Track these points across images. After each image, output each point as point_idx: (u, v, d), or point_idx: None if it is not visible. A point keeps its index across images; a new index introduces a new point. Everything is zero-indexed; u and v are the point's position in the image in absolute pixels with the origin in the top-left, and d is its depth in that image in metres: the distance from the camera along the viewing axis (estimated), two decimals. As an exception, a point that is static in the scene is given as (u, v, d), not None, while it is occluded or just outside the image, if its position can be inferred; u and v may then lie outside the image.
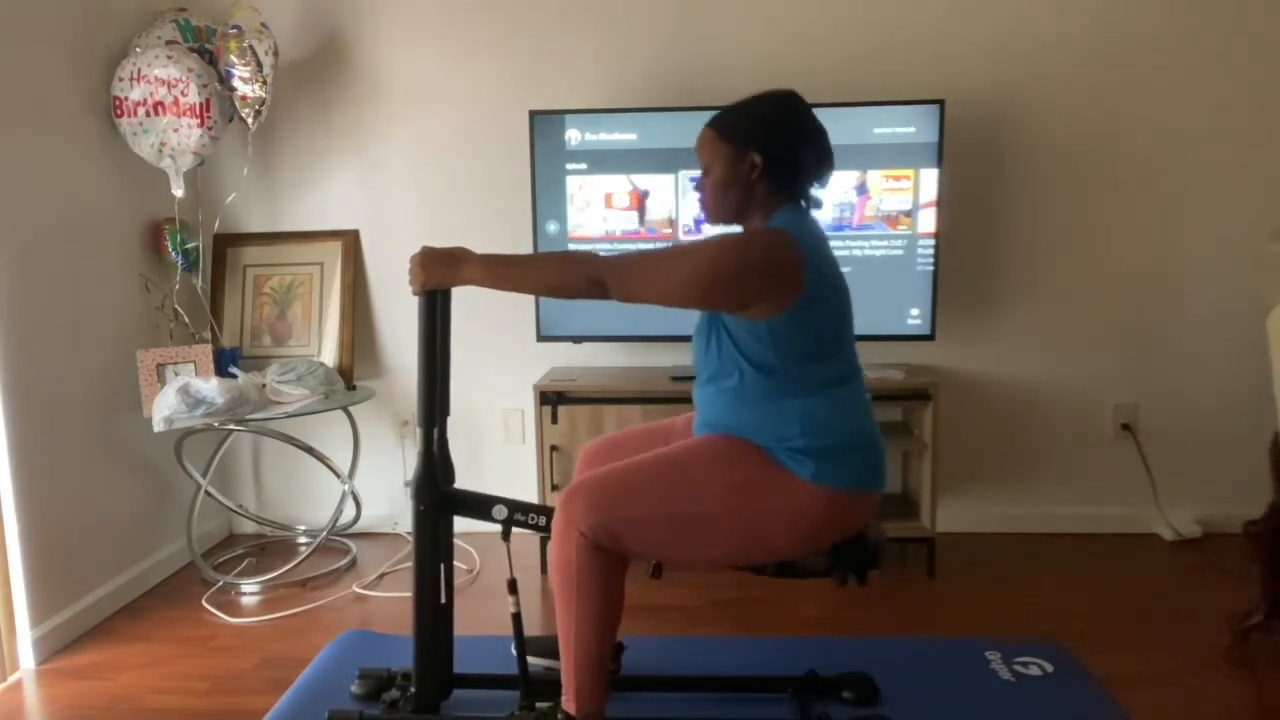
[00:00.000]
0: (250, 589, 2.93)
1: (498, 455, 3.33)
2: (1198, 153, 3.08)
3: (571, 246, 3.00)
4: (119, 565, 2.85)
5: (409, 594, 2.03)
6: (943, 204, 2.92)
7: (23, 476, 2.46)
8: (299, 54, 3.18)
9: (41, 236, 2.56)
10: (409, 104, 3.21)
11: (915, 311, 2.97)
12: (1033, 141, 3.11)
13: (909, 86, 3.02)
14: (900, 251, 2.95)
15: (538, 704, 1.94)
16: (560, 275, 1.81)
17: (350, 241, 3.26)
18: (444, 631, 2.07)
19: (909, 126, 2.89)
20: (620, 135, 2.96)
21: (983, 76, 3.07)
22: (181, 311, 3.04)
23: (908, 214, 2.93)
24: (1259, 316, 2.35)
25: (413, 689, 2.04)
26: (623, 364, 3.23)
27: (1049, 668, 2.29)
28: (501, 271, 1.84)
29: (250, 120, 2.94)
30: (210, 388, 2.74)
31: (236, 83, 2.87)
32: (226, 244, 3.26)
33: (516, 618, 2.00)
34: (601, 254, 1.83)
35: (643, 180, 2.98)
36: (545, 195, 3.00)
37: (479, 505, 2.01)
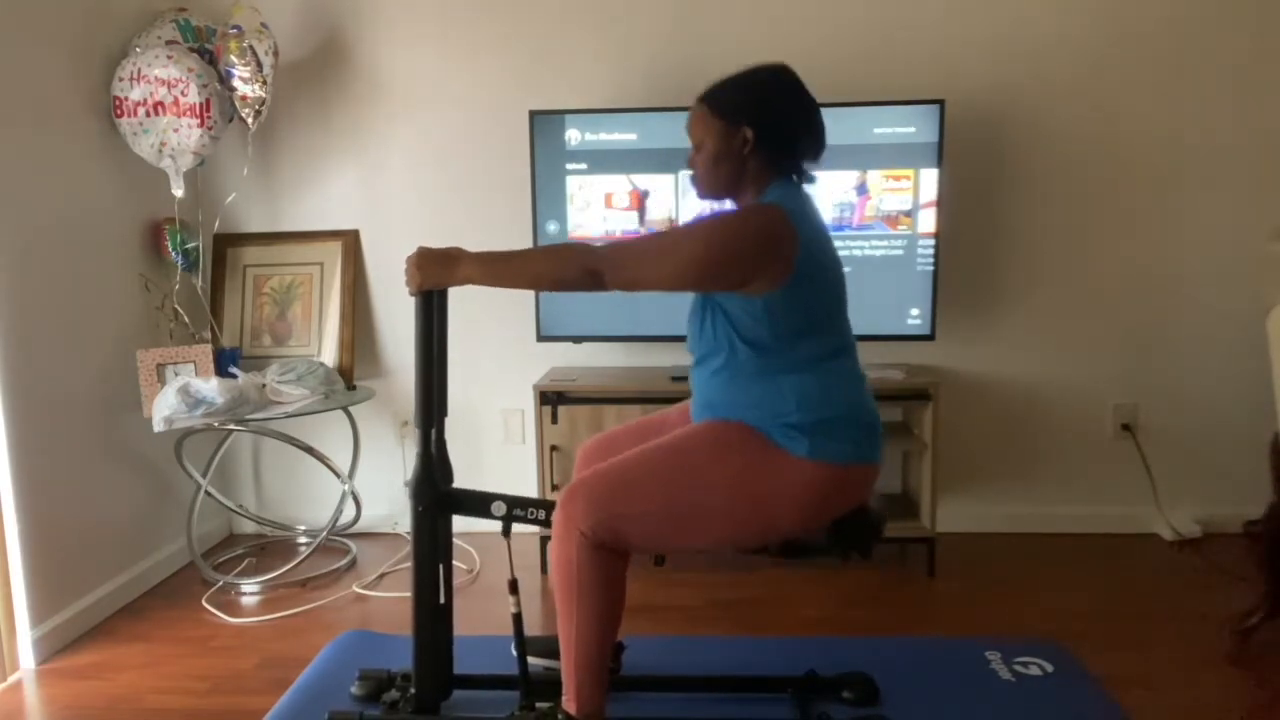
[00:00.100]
0: (250, 589, 2.93)
1: (498, 455, 3.33)
2: (1198, 153, 3.08)
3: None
4: (119, 565, 2.85)
5: (409, 594, 2.03)
6: (943, 204, 2.92)
7: (23, 476, 2.46)
8: (299, 54, 3.18)
9: (41, 236, 2.56)
10: (409, 104, 3.21)
11: (915, 311, 2.97)
12: (1033, 141, 3.11)
13: (909, 86, 3.02)
14: (900, 251, 2.95)
15: (538, 704, 1.94)
16: (555, 268, 1.81)
17: (350, 241, 3.26)
18: (443, 632, 2.07)
19: (909, 126, 2.89)
20: (620, 135, 2.96)
21: (983, 76, 3.07)
22: (181, 311, 3.04)
23: (908, 214, 2.93)
24: (1259, 316, 2.35)
25: (412, 690, 2.04)
26: (623, 364, 3.23)
27: (1049, 668, 2.29)
28: (496, 268, 1.83)
29: (250, 120, 2.94)
30: (210, 388, 2.74)
31: (236, 83, 2.87)
32: (226, 244, 3.26)
33: (517, 618, 2.00)
34: (594, 244, 1.82)
35: (643, 180, 2.98)
36: (545, 195, 3.00)
37: (478, 503, 2.01)
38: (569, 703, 1.83)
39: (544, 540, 2.95)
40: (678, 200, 2.98)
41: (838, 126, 2.93)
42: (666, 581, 2.88)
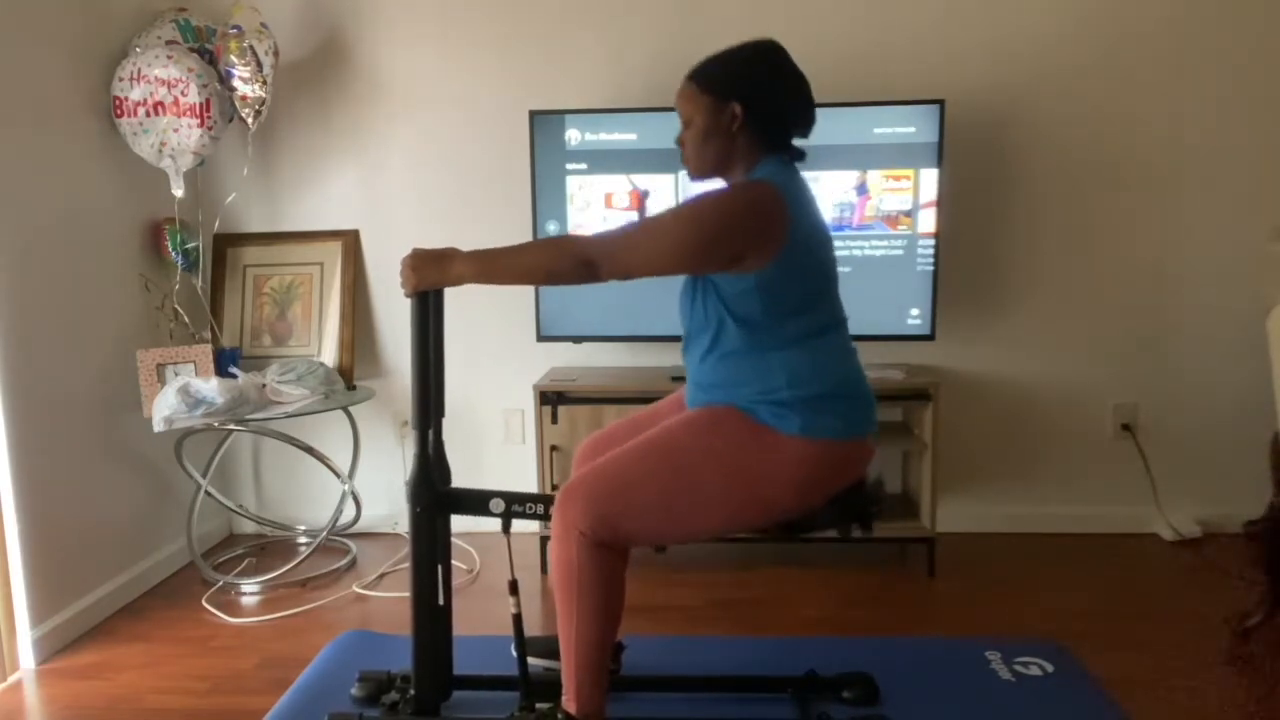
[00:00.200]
0: (250, 589, 2.93)
1: (498, 455, 3.33)
2: (1198, 152, 3.08)
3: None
4: (119, 565, 2.85)
5: (409, 594, 2.02)
6: (943, 204, 2.92)
7: (23, 476, 2.46)
8: (299, 54, 3.18)
9: (41, 236, 2.56)
10: (409, 104, 3.21)
11: (915, 311, 2.97)
12: (1033, 141, 3.11)
13: (909, 86, 3.02)
14: (900, 251, 2.94)
15: (538, 705, 1.94)
16: (548, 260, 1.80)
17: (350, 241, 3.26)
18: (443, 633, 2.07)
19: (909, 126, 2.89)
20: (620, 135, 2.96)
21: (983, 76, 3.07)
22: (181, 311, 3.04)
23: (908, 214, 2.93)
24: (1259, 316, 2.35)
25: (412, 691, 2.04)
26: (623, 364, 3.23)
27: (1049, 668, 2.29)
28: (490, 265, 1.82)
29: (250, 120, 2.94)
30: (210, 388, 2.74)
31: (236, 83, 2.87)
32: (226, 244, 3.26)
33: (517, 619, 1.99)
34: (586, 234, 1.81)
35: (643, 180, 2.98)
36: (545, 195, 3.00)
37: (476, 502, 2.01)
38: (569, 703, 1.83)
39: (544, 540, 2.95)
40: (678, 200, 2.97)
41: (838, 126, 2.96)
42: (666, 581, 2.88)
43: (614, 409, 2.92)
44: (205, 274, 3.18)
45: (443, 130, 3.22)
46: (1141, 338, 3.18)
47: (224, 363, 2.99)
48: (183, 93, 2.77)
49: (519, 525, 2.02)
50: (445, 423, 2.04)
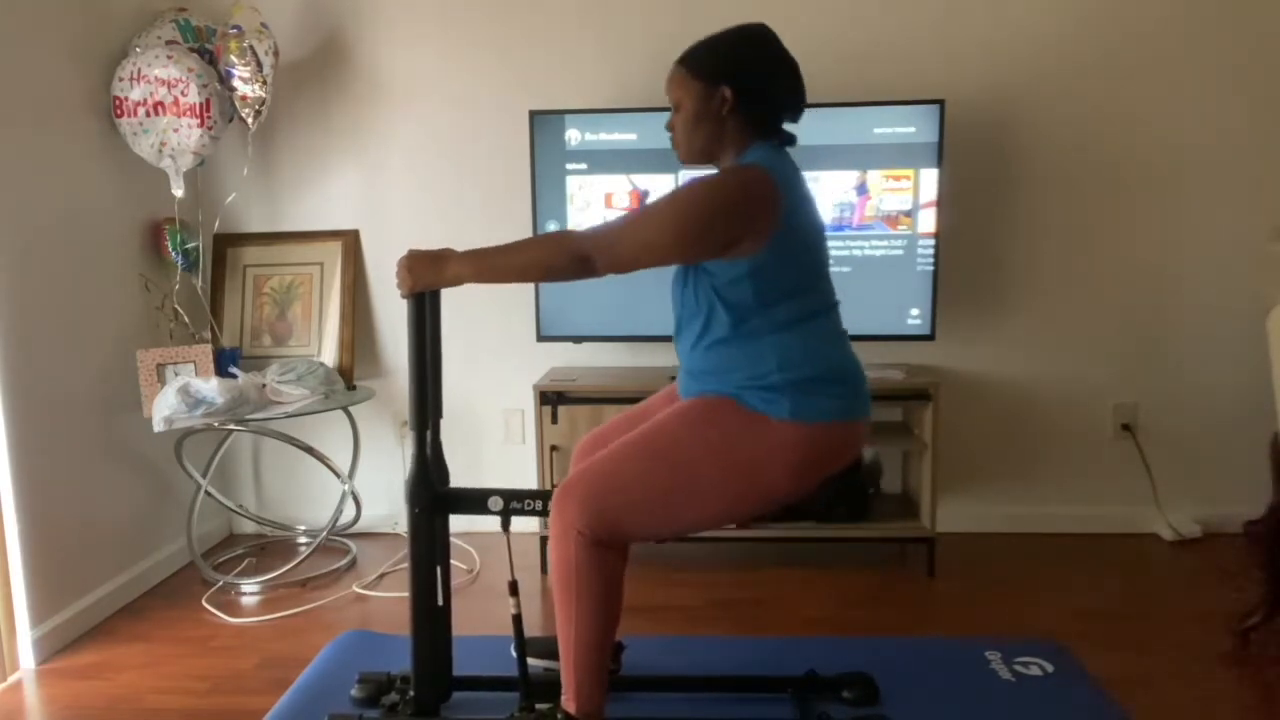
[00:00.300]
0: (250, 589, 2.93)
1: (498, 455, 3.34)
2: (1198, 152, 3.08)
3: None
4: (119, 565, 2.85)
5: (408, 594, 2.02)
6: (943, 204, 2.92)
7: (23, 476, 2.46)
8: (299, 54, 3.18)
9: (41, 236, 2.56)
10: (409, 104, 3.21)
11: (915, 311, 2.97)
12: (1033, 141, 3.11)
13: (909, 86, 3.02)
14: (900, 251, 2.94)
15: (537, 705, 1.94)
16: (544, 256, 1.79)
17: (350, 241, 3.26)
18: (442, 634, 2.07)
19: (909, 126, 2.89)
20: (620, 135, 2.96)
21: (983, 76, 3.07)
22: (181, 311, 3.04)
23: (908, 214, 2.93)
24: (1259, 316, 2.35)
25: (412, 692, 2.04)
26: (623, 364, 3.23)
27: (1049, 668, 2.29)
28: (485, 263, 1.82)
29: (250, 120, 2.94)
30: (210, 388, 2.75)
31: (236, 83, 2.87)
32: (226, 244, 3.26)
33: (517, 619, 1.99)
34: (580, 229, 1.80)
35: (643, 180, 2.98)
36: (545, 195, 3.00)
37: (474, 501, 2.00)
38: (569, 703, 1.83)
39: (544, 540, 2.95)
40: (678, 200, 2.97)
41: (838, 126, 2.97)
42: (666, 581, 2.88)
43: (614, 409, 2.91)
44: (205, 274, 3.18)
45: (443, 130, 3.22)
46: (1141, 338, 3.18)
47: (224, 363, 2.99)
48: (183, 93, 2.77)
49: (518, 525, 2.02)
50: (446, 423, 2.04)
